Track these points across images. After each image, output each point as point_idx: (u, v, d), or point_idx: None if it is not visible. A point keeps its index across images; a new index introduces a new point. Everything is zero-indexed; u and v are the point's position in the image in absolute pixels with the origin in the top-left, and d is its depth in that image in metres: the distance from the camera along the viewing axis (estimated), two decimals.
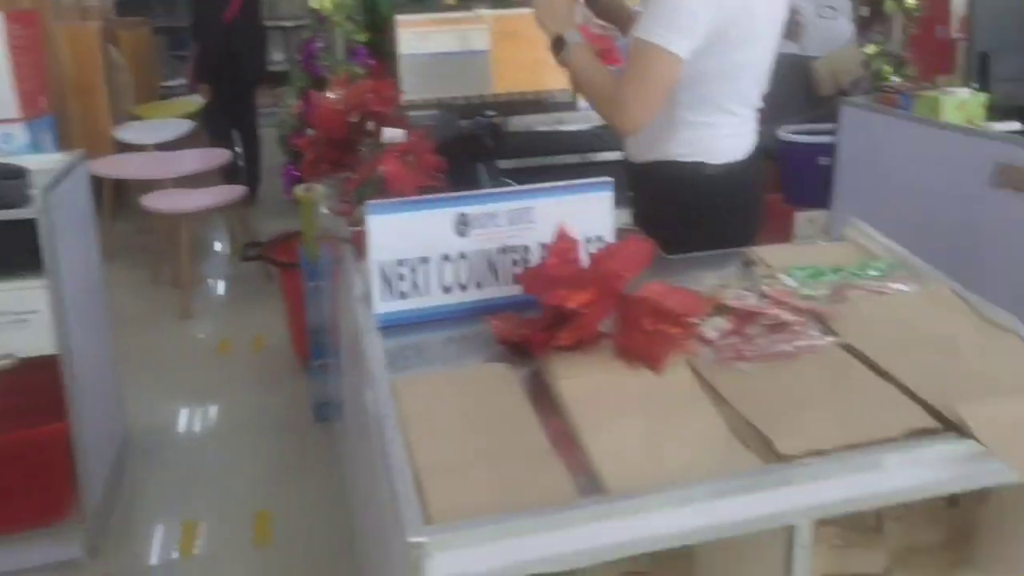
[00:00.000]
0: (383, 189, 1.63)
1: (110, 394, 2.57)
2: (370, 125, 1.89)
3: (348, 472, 2.24)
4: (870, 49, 2.87)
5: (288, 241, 3.36)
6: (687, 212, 1.81)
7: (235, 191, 4.14)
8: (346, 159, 1.88)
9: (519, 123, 2.53)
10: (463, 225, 1.36)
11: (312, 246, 2.70)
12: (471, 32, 2.48)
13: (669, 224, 1.71)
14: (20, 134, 2.28)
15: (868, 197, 2.78)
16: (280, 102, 7.93)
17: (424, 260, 1.35)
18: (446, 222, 1.35)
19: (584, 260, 1.27)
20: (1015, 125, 2.36)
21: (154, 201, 3.93)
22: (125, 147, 4.82)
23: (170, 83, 6.59)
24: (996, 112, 2.44)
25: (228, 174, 4.79)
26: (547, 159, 2.27)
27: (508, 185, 1.99)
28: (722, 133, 1.83)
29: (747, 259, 1.54)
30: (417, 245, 1.34)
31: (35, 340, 1.95)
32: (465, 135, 1.95)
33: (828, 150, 3.00)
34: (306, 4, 8.01)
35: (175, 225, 3.99)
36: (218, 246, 4.94)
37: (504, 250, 1.38)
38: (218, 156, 4.54)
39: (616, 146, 2.35)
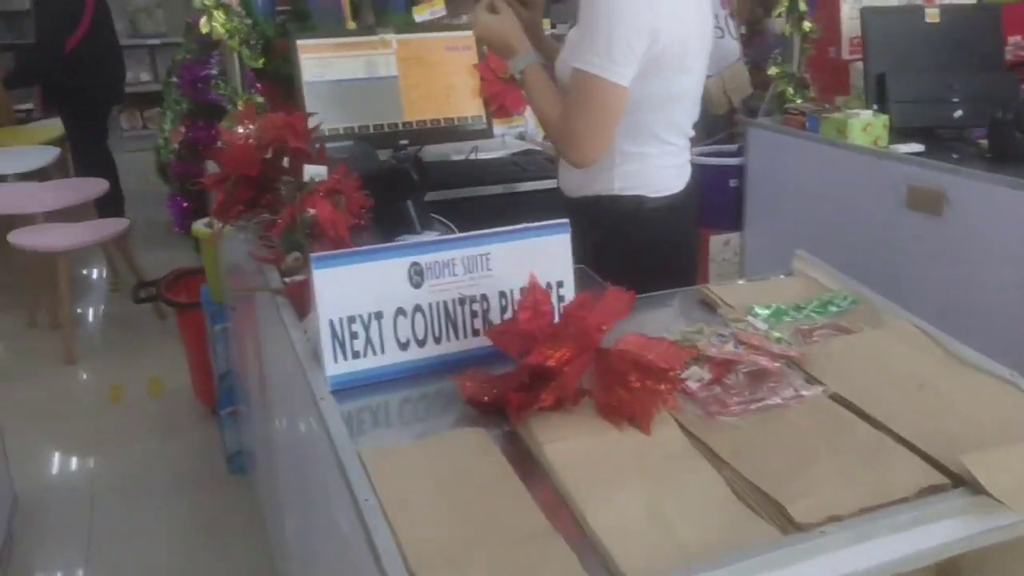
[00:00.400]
0: (314, 234, 1.50)
1: None
2: (284, 161, 1.76)
3: (275, 533, 2.07)
4: (772, 70, 2.92)
5: (183, 279, 3.13)
6: (629, 247, 1.76)
7: (119, 224, 3.85)
8: (262, 199, 1.73)
9: (432, 152, 2.43)
10: (417, 276, 1.25)
11: (217, 286, 2.51)
12: (377, 57, 2.37)
13: (610, 260, 1.65)
14: None
15: (779, 218, 2.82)
16: (151, 125, 7.57)
17: (378, 315, 1.23)
18: (399, 273, 1.24)
19: (556, 309, 1.19)
20: (918, 147, 2.42)
21: (28, 238, 3.60)
22: None
23: (23, 107, 6.14)
24: (895, 133, 2.51)
25: (100, 204, 4.47)
26: (470, 190, 2.18)
27: (437, 222, 1.90)
28: (660, 164, 1.81)
29: (704, 297, 1.49)
30: (369, 299, 1.23)
31: None
32: (387, 169, 1.84)
33: (737, 171, 3.03)
34: (171, 22, 7.69)
35: (51, 263, 3.67)
36: (96, 282, 4.61)
37: (462, 300, 1.28)
38: (96, 186, 4.22)
39: (538, 175, 2.29)
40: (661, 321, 1.39)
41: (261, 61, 2.22)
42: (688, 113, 1.83)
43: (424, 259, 1.25)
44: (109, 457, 2.91)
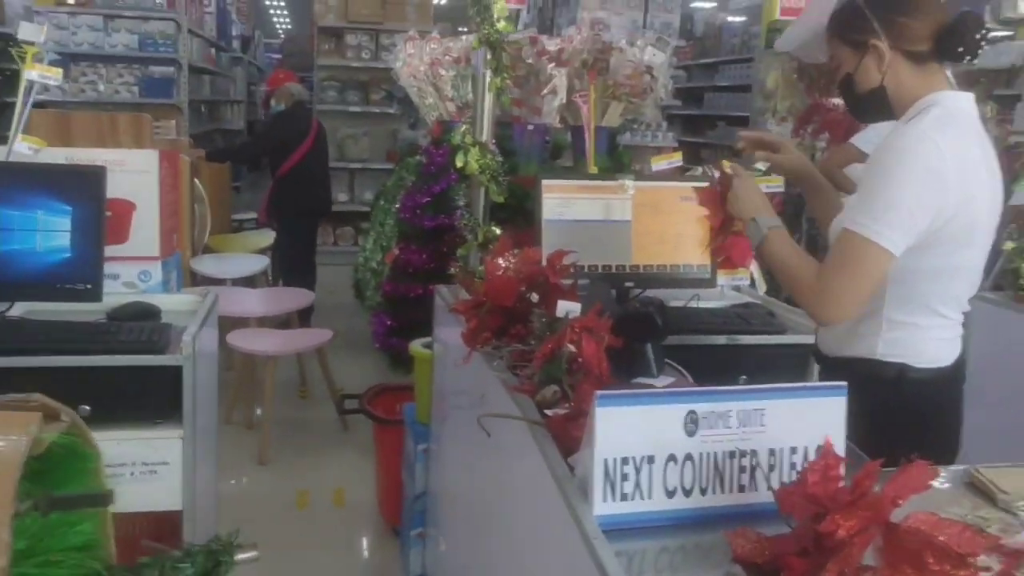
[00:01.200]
0: (571, 369, 1.54)
1: None
2: (533, 295, 1.83)
3: None
4: (1008, 246, 2.82)
5: (384, 394, 3.25)
6: (886, 416, 1.69)
7: (324, 335, 4.07)
8: (511, 329, 1.80)
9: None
10: (692, 424, 1.25)
11: (425, 407, 2.59)
12: (613, 201, 2.46)
13: (866, 428, 1.60)
14: (156, 272, 2.23)
15: (1003, 403, 2.66)
16: (342, 242, 8.08)
17: (650, 459, 1.24)
18: (676, 419, 1.25)
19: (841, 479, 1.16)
20: None
21: (244, 341, 3.84)
22: (199, 280, 4.83)
23: (246, 216, 6.71)
24: None
25: (301, 312, 4.76)
26: (694, 338, 2.18)
27: (670, 367, 1.90)
28: (929, 336, 1.75)
29: (974, 481, 1.42)
30: (643, 442, 1.24)
31: (164, 495, 1.83)
32: (635, 313, 1.87)
33: None
34: (374, 148, 8.27)
35: (254, 365, 3.90)
36: (288, 388, 4.85)
37: (732, 453, 1.27)
38: (303, 297, 4.52)
39: (761, 329, 2.28)
40: (929, 499, 1.32)
41: (503, 198, 2.35)
42: (969, 285, 1.77)
43: (701, 408, 1.25)
44: (293, 562, 2.98)
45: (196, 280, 4.86)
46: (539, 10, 8.63)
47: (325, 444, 3.99)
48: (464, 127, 2.28)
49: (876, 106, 1.78)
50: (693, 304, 2.41)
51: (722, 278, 2.49)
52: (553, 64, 4.01)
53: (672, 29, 7.90)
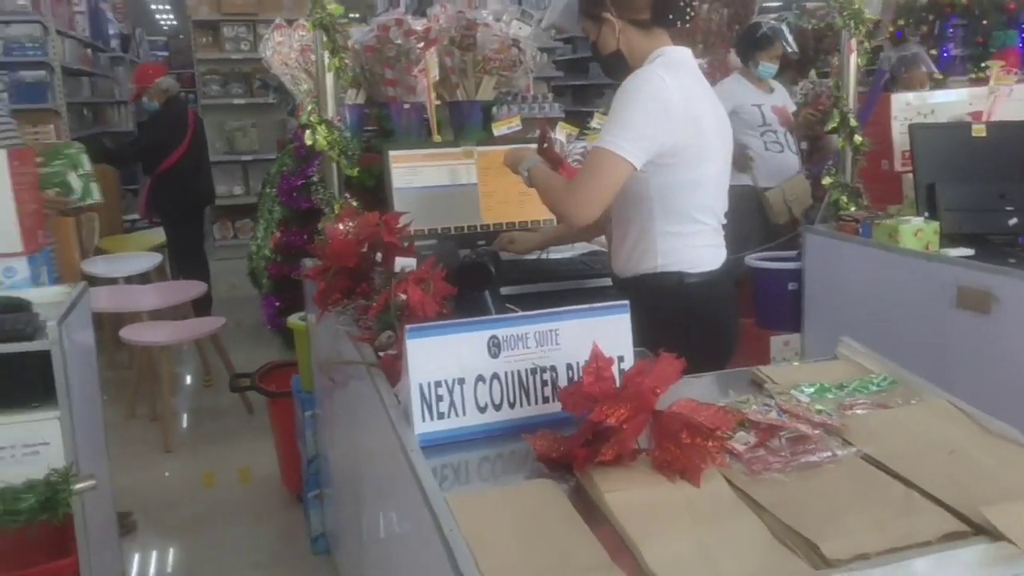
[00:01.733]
0: (404, 316, 1.70)
1: (109, 531, 2.51)
2: (378, 255, 1.98)
3: None
4: (826, 180, 3.09)
5: (275, 371, 3.37)
6: (673, 323, 1.95)
7: (216, 323, 4.16)
8: (358, 288, 1.95)
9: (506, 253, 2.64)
10: (495, 347, 1.43)
11: (308, 375, 2.73)
12: (459, 167, 2.63)
13: (656, 335, 1.80)
14: (22, 268, 2.31)
15: (836, 319, 2.94)
16: (241, 235, 8.08)
17: (460, 381, 1.41)
18: (479, 344, 1.42)
19: (616, 378, 1.35)
20: (968, 251, 2.55)
21: (136, 334, 3.91)
22: (93, 280, 4.83)
23: (128, 217, 6.67)
24: (946, 239, 2.64)
25: (196, 304, 4.82)
26: (541, 286, 2.37)
27: (513, 311, 2.09)
28: (696, 243, 2.09)
29: (754, 378, 1.64)
30: (453, 367, 1.41)
31: (47, 473, 1.93)
32: (468, 263, 2.05)
33: (795, 275, 3.18)
34: (263, 140, 8.26)
35: (151, 358, 3.97)
36: (191, 378, 4.90)
37: (534, 370, 1.45)
38: (195, 288, 4.58)
39: (604, 273, 2.48)
40: (712, 395, 1.53)
41: (355, 170, 2.49)
42: (716, 197, 2.12)
43: (501, 332, 1.43)
44: (201, 538, 3.09)
45: (93, 283, 4.87)
46: None
47: (230, 428, 4.08)
48: (311, 107, 2.41)
49: (617, 65, 2.13)
50: (543, 256, 2.61)
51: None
52: (422, 44, 4.14)
53: (547, 3, 8.09)
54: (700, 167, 2.04)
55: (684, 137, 2.00)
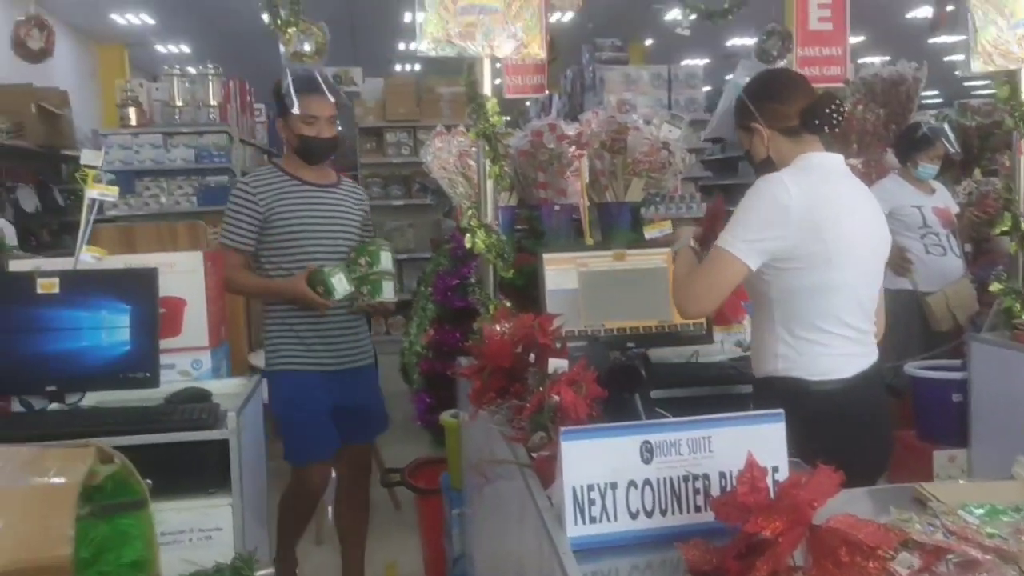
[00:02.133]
0: (557, 417, 1.74)
1: None
2: (531, 356, 2.05)
3: None
4: (995, 287, 2.96)
5: (424, 467, 3.46)
6: (800, 430, 1.86)
7: None
8: (512, 388, 2.02)
9: (657, 354, 2.66)
10: (647, 452, 1.45)
11: (458, 473, 2.80)
12: (611, 269, 2.68)
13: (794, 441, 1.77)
14: (206, 361, 2.51)
15: (1008, 436, 2.76)
16: (394, 332, 8.40)
17: (613, 485, 1.43)
18: (632, 449, 1.44)
19: (771, 489, 1.34)
20: None
21: None
22: (258, 372, 5.12)
23: None
24: None
25: None
26: (690, 390, 2.37)
27: (663, 415, 2.09)
28: (821, 351, 2.07)
29: (917, 495, 1.57)
30: (606, 471, 1.43)
31: (219, 557, 2.05)
32: (620, 366, 2.09)
33: (960, 386, 3.03)
34: (419, 240, 8.63)
35: None
36: None
37: (686, 478, 1.46)
38: None
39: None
40: (871, 511, 1.48)
41: (510, 272, 2.59)
42: (850, 305, 2.09)
43: (654, 438, 1.45)
44: None
45: (254, 372, 5.17)
46: (568, 96, 9.05)
47: (378, 522, 4.15)
48: (470, 211, 2.55)
49: (769, 171, 2.17)
50: (693, 359, 2.61)
51: (719, 333, 2.68)
52: (574, 147, 4.30)
53: (697, 104, 8.22)
54: (825, 273, 2.05)
55: (803, 242, 2.03)
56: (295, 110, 2.92)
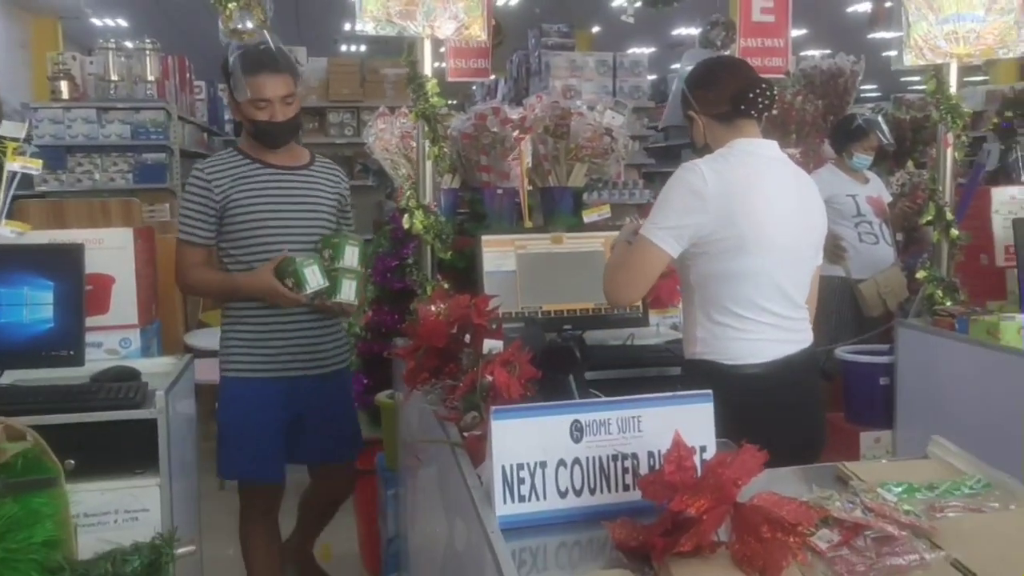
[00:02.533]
0: (490, 397, 1.74)
1: None
2: (466, 336, 2.04)
3: None
4: (921, 274, 3.04)
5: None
6: (718, 410, 1.88)
7: None
8: (446, 368, 2.01)
9: (593, 336, 2.68)
10: (577, 432, 1.46)
11: (392, 454, 2.78)
12: (549, 252, 2.69)
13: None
14: (135, 339, 2.46)
15: (930, 417, 2.86)
16: None
17: (542, 464, 1.44)
18: (562, 428, 1.45)
19: (698, 468, 1.36)
20: None
21: None
22: (194, 352, 5.03)
23: None
24: None
25: None
26: (626, 372, 2.39)
27: (597, 396, 2.11)
28: (738, 336, 2.10)
29: (840, 474, 1.61)
30: (536, 450, 1.44)
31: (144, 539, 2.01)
32: (555, 347, 2.09)
33: (887, 370, 3.11)
34: (359, 221, 8.55)
35: None
36: None
37: (615, 457, 1.47)
38: None
39: None
40: (795, 490, 1.51)
41: (448, 254, 2.58)
42: (767, 292, 2.11)
43: (584, 417, 1.46)
44: None
45: (189, 352, 5.08)
46: (514, 80, 9.04)
47: None
48: (409, 191, 2.53)
49: None
50: (629, 342, 2.63)
51: (655, 316, 2.71)
52: (517, 132, 4.29)
53: (641, 92, 8.27)
54: (739, 259, 2.07)
55: (718, 228, 2.06)
56: (242, 96, 2.61)
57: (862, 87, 5.61)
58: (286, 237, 2.67)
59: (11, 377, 2.23)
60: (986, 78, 9.76)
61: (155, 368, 2.39)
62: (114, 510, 2.07)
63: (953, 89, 2.98)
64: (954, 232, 3.02)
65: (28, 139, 2.29)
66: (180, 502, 2.22)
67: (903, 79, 12.72)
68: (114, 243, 2.40)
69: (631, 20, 5.03)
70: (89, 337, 2.30)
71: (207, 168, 2.70)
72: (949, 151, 3.01)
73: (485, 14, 2.78)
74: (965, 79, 3.16)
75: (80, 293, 2.21)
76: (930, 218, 3.04)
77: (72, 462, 1.96)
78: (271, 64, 2.62)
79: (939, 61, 2.97)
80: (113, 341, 2.44)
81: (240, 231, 2.67)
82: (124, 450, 2.09)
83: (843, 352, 3.40)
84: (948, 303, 2.94)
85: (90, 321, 2.31)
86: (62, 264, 2.19)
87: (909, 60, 2.97)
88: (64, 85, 6.86)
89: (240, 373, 2.74)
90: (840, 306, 4.01)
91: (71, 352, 2.20)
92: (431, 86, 2.49)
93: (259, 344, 2.71)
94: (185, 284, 2.79)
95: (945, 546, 1.29)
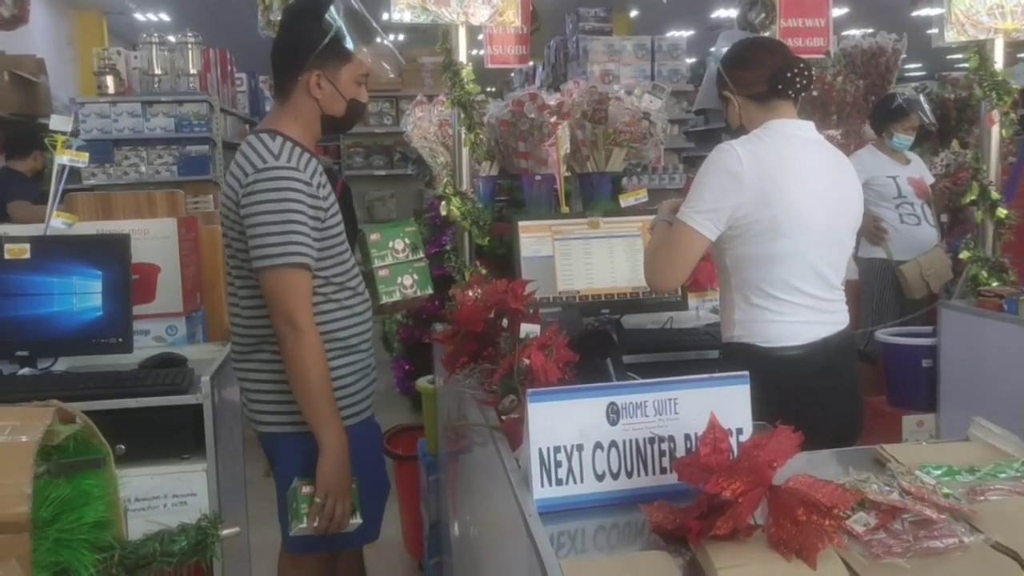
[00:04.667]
0: (528, 380, 1.76)
1: None
2: (504, 321, 2.06)
3: None
4: (964, 255, 2.99)
5: (402, 434, 3.47)
6: (767, 393, 1.85)
7: None
8: (485, 352, 2.03)
9: (631, 321, 2.68)
10: (614, 414, 1.47)
11: (434, 439, 2.81)
12: (588, 236, 2.69)
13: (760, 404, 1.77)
14: (181, 327, 2.51)
15: (975, 400, 2.81)
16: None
17: (579, 447, 1.45)
18: (599, 411, 1.46)
19: (734, 450, 1.36)
20: None
21: None
22: None
23: None
24: None
25: None
26: (664, 355, 2.39)
27: (634, 379, 2.11)
28: (774, 318, 2.08)
29: (878, 457, 1.60)
30: (572, 432, 1.45)
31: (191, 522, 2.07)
32: (592, 331, 2.10)
33: (930, 352, 3.07)
34: (401, 208, 8.59)
35: None
36: None
37: (651, 440, 1.48)
38: None
39: None
40: (832, 472, 1.51)
41: (487, 240, 2.60)
42: (803, 273, 2.09)
43: (620, 400, 1.46)
44: None
45: None
46: (552, 67, 9.00)
47: None
48: (446, 179, 2.55)
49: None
50: (668, 326, 2.62)
51: (694, 300, 2.70)
52: (555, 117, 4.29)
53: (680, 76, 8.19)
54: (774, 241, 2.06)
55: (754, 210, 2.04)
56: (359, 67, 2.10)
57: (907, 67, 5.51)
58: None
59: (64, 364, 2.30)
60: None
61: (201, 355, 2.45)
62: (163, 494, 2.13)
63: (999, 65, 2.92)
64: (1001, 212, 2.96)
65: (75, 133, 2.35)
66: (227, 487, 2.27)
67: (948, 57, 12.43)
68: (159, 233, 2.46)
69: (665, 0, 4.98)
70: (136, 325, 2.36)
71: (298, 166, 2.05)
72: (995, 129, 2.95)
73: (520, 0, 2.79)
74: (1018, 55, 3.08)
75: (127, 282, 2.27)
76: (974, 198, 2.98)
77: (123, 447, 2.02)
78: (383, 38, 2.17)
79: (982, 37, 2.90)
80: (160, 329, 2.50)
81: (337, 246, 2.16)
82: (172, 436, 2.15)
83: (884, 334, 3.36)
84: (994, 283, 2.89)
85: (137, 309, 2.37)
86: (109, 254, 2.25)
87: (951, 36, 2.92)
88: (110, 80, 6.98)
89: (360, 415, 2.23)
90: (882, 288, 3.96)
91: (120, 339, 2.27)
92: (466, 73, 2.50)
93: (366, 372, 2.24)
94: (305, 324, 2.01)
95: (986, 529, 1.28)
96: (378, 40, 2.13)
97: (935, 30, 3.02)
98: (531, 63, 8.49)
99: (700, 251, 2.09)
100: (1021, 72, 7.44)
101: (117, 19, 12.67)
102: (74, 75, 10.99)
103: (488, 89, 7.23)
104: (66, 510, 1.03)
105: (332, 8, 2.03)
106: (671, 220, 2.19)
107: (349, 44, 2.05)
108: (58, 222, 2.26)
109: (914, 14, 9.93)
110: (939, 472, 1.48)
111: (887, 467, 1.52)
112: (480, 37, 3.72)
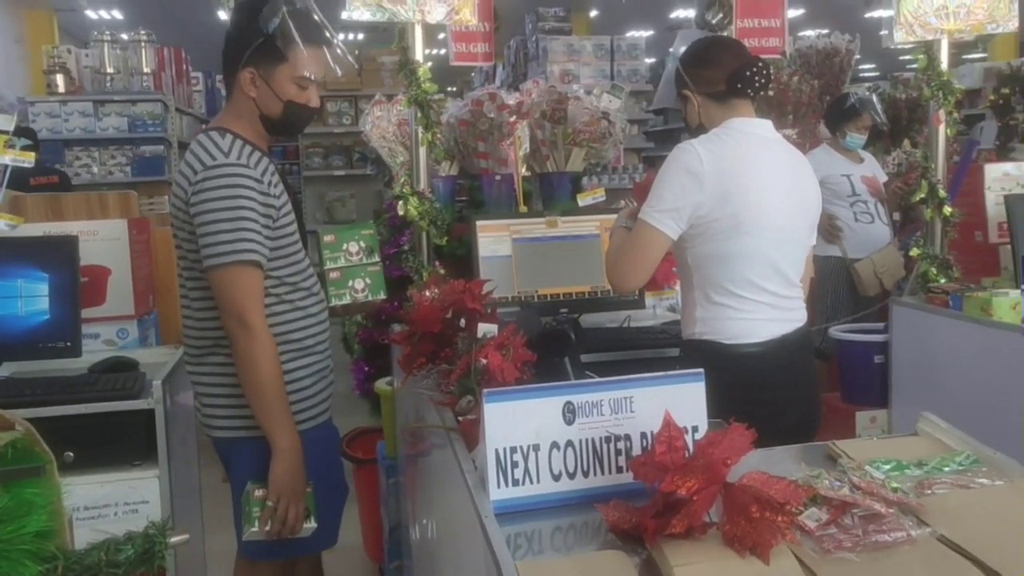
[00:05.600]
0: (485, 380, 1.75)
1: None
2: (461, 321, 2.05)
3: None
4: (914, 252, 3.05)
5: (361, 437, 3.44)
6: (723, 390, 1.87)
7: None
8: (442, 353, 2.02)
9: (590, 320, 2.68)
10: (570, 413, 1.46)
11: (393, 442, 2.79)
12: (545, 236, 2.69)
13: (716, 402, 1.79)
14: (132, 330, 2.47)
15: (926, 395, 2.86)
16: None
17: (535, 447, 1.44)
18: (555, 410, 1.46)
19: (690, 448, 1.37)
20: None
21: None
22: None
23: None
24: None
25: None
26: (623, 354, 2.40)
27: (592, 378, 2.12)
28: (735, 315, 2.10)
29: (829, 452, 1.62)
30: (528, 432, 1.44)
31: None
32: (550, 331, 2.10)
33: (882, 348, 3.11)
34: (361, 209, 8.54)
35: None
36: None
37: (608, 439, 1.48)
38: None
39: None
40: (786, 469, 1.52)
41: (445, 240, 2.58)
42: (762, 271, 2.11)
43: (576, 399, 1.46)
44: None
45: None
46: (512, 66, 9.00)
47: None
48: (404, 178, 2.53)
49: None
50: (626, 325, 2.63)
51: (651, 298, 2.72)
52: (514, 117, 4.28)
53: (639, 76, 8.23)
54: (735, 239, 2.07)
55: (715, 208, 2.05)
56: (295, 68, 2.03)
57: (861, 67, 5.60)
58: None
59: (9, 369, 2.24)
60: (985, 55, 9.72)
61: (153, 358, 2.40)
62: (114, 502, 2.09)
63: (944, 66, 2.97)
64: (947, 209, 3.02)
65: (21, 132, 2.29)
66: (180, 494, 2.23)
67: (901, 58, 12.65)
68: (109, 235, 2.41)
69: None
70: (87, 328, 2.32)
71: (246, 162, 2.02)
72: (941, 128, 3.01)
73: None
74: (963, 56, 3.14)
75: (75, 284, 2.22)
76: (923, 196, 3.04)
77: (71, 455, 1.98)
78: (329, 39, 2.10)
79: (929, 37, 2.96)
80: (110, 332, 2.45)
81: (290, 246, 2.11)
82: (123, 443, 2.10)
83: (837, 331, 3.41)
84: (942, 280, 2.95)
85: (87, 312, 2.32)
86: (56, 256, 2.20)
87: (900, 37, 2.97)
88: (60, 79, 6.85)
89: (317, 419, 2.20)
90: (836, 286, 4.02)
91: (68, 343, 2.22)
92: (423, 72, 2.49)
93: (323, 375, 2.21)
94: (256, 324, 1.98)
95: (932, 522, 1.30)
96: (325, 40, 2.08)
97: (886, 31, 3.06)
98: (493, 62, 8.49)
99: (662, 250, 2.10)
100: (968, 74, 7.63)
101: (68, 16, 12.39)
102: (22, 74, 10.74)
103: (449, 88, 7.22)
104: (5, 520, 1.00)
105: (270, 6, 1.98)
106: (629, 226, 2.19)
107: (284, 44, 2.00)
108: (1, 223, 2.20)
109: (867, 15, 10.09)
110: (888, 467, 1.50)
111: (839, 463, 1.54)
112: (442, 36, 3.70)
